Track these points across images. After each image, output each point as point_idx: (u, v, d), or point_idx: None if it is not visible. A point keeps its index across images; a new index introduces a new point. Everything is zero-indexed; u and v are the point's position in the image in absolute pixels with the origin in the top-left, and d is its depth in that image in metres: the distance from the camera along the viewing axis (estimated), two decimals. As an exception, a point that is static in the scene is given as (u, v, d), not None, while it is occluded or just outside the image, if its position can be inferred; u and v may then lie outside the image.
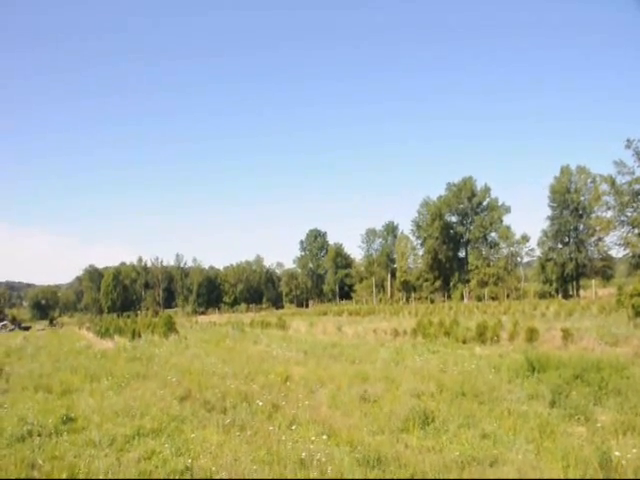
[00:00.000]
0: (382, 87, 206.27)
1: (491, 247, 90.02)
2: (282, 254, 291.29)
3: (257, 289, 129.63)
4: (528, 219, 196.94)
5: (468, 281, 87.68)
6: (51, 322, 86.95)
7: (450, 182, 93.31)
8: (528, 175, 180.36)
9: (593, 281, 66.51)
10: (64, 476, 6.16)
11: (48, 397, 11.64)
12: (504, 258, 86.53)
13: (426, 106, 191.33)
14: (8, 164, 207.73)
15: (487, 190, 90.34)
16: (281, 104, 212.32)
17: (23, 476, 6.26)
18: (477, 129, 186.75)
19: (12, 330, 69.13)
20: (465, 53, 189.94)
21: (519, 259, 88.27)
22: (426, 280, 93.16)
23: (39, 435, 8.21)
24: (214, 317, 73.51)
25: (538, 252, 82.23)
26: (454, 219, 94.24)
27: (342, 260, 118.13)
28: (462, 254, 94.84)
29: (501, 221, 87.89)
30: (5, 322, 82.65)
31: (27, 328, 73.70)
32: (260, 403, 9.59)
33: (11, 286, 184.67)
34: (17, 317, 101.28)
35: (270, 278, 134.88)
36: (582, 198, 73.45)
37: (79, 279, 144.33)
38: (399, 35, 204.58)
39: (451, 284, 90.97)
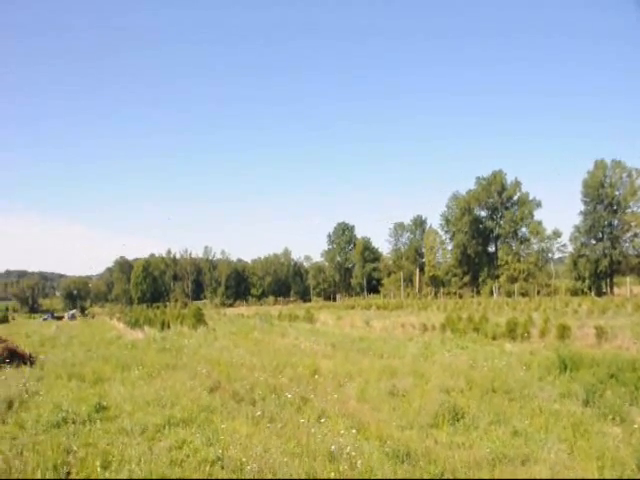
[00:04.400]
0: (414, 82, 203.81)
1: (521, 242, 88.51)
2: (310, 247, 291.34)
3: (285, 282, 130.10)
4: (560, 215, 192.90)
5: (497, 277, 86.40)
6: (83, 311, 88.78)
7: (480, 176, 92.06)
8: (560, 170, 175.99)
9: (628, 278, 64.97)
10: (98, 463, 6.28)
11: (81, 385, 11.87)
12: (535, 254, 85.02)
13: (457, 101, 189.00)
14: (40, 158, 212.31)
15: (517, 184, 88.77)
16: (313, 96, 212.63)
17: (60, 461, 6.40)
18: (509, 123, 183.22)
19: (45, 320, 71.02)
20: (495, 49, 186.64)
21: (550, 255, 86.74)
22: (455, 275, 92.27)
23: (73, 422, 8.39)
24: (242, 309, 74.11)
25: (570, 248, 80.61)
26: (483, 213, 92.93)
27: (370, 254, 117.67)
28: (492, 249, 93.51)
29: (532, 216, 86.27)
30: (74, 311, 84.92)
31: (60, 318, 75.69)
32: (289, 396, 9.62)
33: (44, 276, 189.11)
34: (85, 307, 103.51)
35: (298, 271, 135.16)
36: (617, 193, 71.62)
37: (110, 270, 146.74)
38: (441, 30, 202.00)
39: (480, 279, 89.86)
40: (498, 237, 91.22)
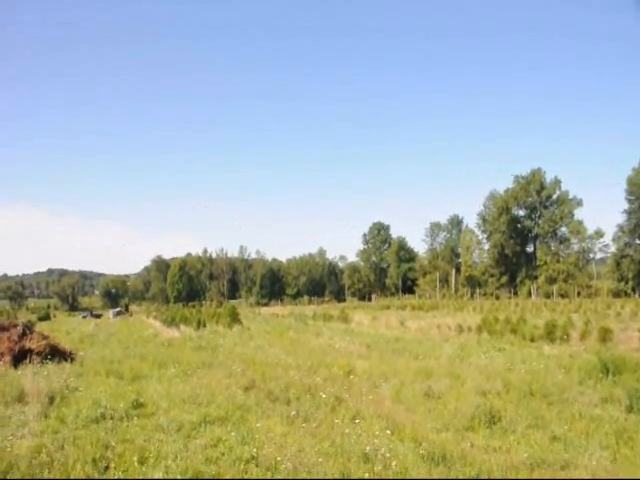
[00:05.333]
0: (447, 81, 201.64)
1: (561, 242, 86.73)
2: (345, 247, 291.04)
3: (319, 282, 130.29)
4: (602, 214, 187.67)
5: (536, 277, 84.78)
6: (126, 309, 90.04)
7: (518, 175, 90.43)
8: (602, 168, 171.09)
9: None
10: (135, 458, 6.40)
11: (119, 382, 12.07)
12: (575, 254, 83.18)
13: (493, 100, 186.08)
14: (77, 162, 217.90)
15: (557, 183, 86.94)
16: (344, 96, 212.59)
17: (98, 456, 6.55)
18: (548, 121, 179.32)
19: (85, 317, 72.39)
20: (530, 49, 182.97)
21: (592, 255, 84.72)
22: (492, 275, 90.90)
23: (111, 418, 8.56)
24: (277, 309, 74.40)
25: (613, 248, 78.63)
26: (522, 213, 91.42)
27: (405, 254, 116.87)
28: (530, 249, 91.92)
29: (572, 215, 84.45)
30: (119, 308, 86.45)
31: (99, 316, 76.83)
32: (323, 395, 9.61)
33: (84, 275, 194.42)
34: (128, 304, 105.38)
35: (333, 271, 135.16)
36: (665, 190, 69.38)
37: (147, 269, 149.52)
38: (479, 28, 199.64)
39: (518, 280, 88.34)
40: (537, 237, 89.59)
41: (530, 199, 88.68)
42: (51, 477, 5.95)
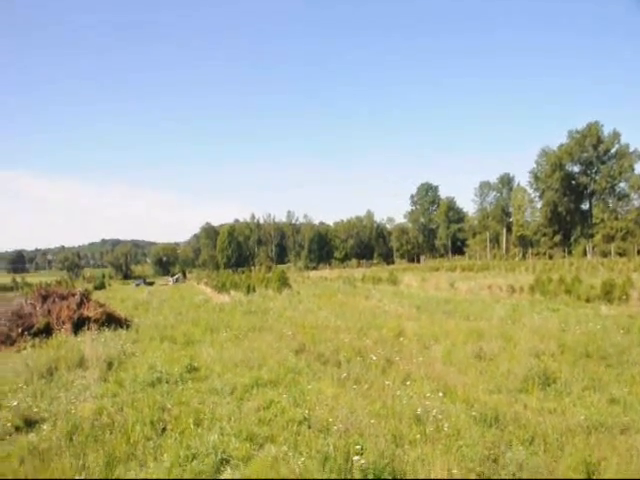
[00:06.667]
0: (495, 41, 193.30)
1: (620, 199, 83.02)
2: (393, 209, 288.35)
3: (368, 244, 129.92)
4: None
5: (592, 236, 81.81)
6: (184, 275, 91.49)
7: (572, 129, 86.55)
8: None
9: None
10: (191, 420, 6.60)
11: (173, 347, 12.47)
12: (635, 210, 79.56)
13: (551, 57, 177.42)
14: (122, 131, 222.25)
15: (616, 136, 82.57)
16: (393, 59, 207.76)
17: (156, 418, 6.79)
18: (605, 75, 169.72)
19: (138, 285, 74.19)
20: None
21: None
22: (544, 235, 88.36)
23: (167, 382, 8.88)
24: (325, 272, 74.59)
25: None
26: (576, 169, 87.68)
27: (454, 214, 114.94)
28: (585, 207, 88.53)
29: (633, 169, 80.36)
30: (178, 276, 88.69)
31: (151, 283, 78.54)
32: (374, 358, 9.65)
33: (136, 244, 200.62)
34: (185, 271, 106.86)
35: (381, 233, 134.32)
36: None
37: (196, 237, 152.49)
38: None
39: (572, 239, 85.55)
40: (593, 194, 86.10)
41: (586, 154, 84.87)
42: (112, 438, 6.20)
